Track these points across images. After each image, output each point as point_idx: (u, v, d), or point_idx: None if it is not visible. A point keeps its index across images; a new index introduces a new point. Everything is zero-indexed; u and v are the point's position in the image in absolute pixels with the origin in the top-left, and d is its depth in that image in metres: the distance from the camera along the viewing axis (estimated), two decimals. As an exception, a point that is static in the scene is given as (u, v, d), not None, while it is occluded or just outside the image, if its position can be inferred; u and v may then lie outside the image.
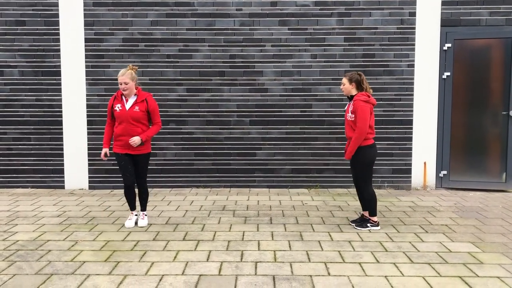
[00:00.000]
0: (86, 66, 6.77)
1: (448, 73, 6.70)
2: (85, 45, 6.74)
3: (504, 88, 6.62)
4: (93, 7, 6.70)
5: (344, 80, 4.78)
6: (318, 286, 3.37)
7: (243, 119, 6.85)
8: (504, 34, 6.57)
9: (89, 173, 6.85)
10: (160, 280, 3.48)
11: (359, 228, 4.78)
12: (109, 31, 6.74)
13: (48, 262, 3.84)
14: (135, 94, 4.71)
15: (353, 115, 4.66)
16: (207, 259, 3.90)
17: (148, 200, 6.06)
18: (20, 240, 4.42)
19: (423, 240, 4.42)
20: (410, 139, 6.82)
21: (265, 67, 6.78)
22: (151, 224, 4.98)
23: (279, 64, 6.78)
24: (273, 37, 6.75)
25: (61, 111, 6.83)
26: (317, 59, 6.77)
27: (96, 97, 6.79)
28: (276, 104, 6.83)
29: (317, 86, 6.80)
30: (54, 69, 6.79)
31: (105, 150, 4.82)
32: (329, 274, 3.59)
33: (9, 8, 6.72)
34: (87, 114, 6.80)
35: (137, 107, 4.66)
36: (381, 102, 6.72)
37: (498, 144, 6.69)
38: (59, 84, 6.80)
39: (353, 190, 6.69)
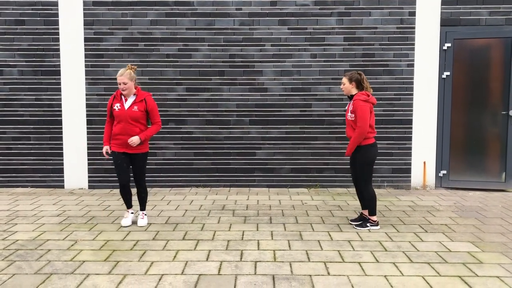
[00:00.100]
0: (86, 66, 6.76)
1: (448, 73, 6.70)
2: (85, 45, 6.74)
3: (503, 87, 6.62)
4: (92, 7, 6.70)
5: (344, 80, 4.78)
6: (318, 285, 3.37)
7: (243, 119, 6.85)
8: (503, 34, 6.57)
9: (88, 173, 6.85)
10: (160, 279, 3.48)
11: (359, 228, 4.78)
12: (108, 31, 6.74)
13: (47, 261, 3.84)
14: (134, 94, 4.72)
15: (353, 115, 4.66)
16: (207, 259, 3.90)
17: (148, 199, 6.07)
18: (20, 239, 4.42)
19: (423, 240, 4.42)
20: (410, 138, 6.82)
21: (264, 66, 6.78)
22: (150, 223, 4.98)
23: (279, 63, 6.78)
24: (272, 36, 6.75)
25: (60, 111, 6.83)
26: (317, 59, 6.77)
27: (96, 97, 6.79)
28: (276, 103, 6.83)
29: (317, 85, 6.80)
30: (54, 69, 6.79)
31: (106, 147, 4.82)
32: (328, 273, 3.59)
33: (8, 7, 6.72)
34: (86, 114, 6.80)
35: (135, 107, 4.66)
36: (380, 101, 6.72)
37: (498, 144, 6.69)
38: (59, 83, 6.80)
39: (353, 190, 6.70)
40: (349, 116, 4.74)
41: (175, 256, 3.97)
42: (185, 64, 6.78)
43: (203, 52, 6.77)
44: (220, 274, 3.57)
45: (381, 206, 5.75)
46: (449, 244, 4.30)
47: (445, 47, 6.68)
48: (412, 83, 6.76)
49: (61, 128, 6.84)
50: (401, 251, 4.11)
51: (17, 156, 6.87)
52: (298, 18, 6.72)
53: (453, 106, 6.74)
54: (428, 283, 3.41)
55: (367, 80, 4.78)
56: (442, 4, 6.65)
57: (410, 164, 6.85)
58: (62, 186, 6.89)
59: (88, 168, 6.85)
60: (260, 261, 3.84)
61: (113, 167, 6.71)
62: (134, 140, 4.62)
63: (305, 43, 6.75)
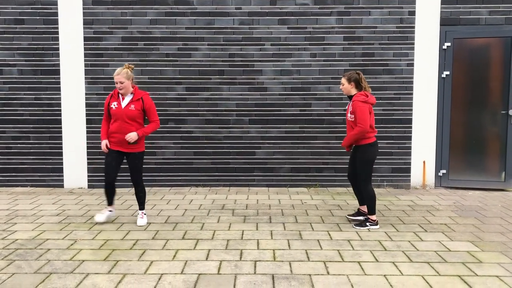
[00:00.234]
0: (85, 65, 6.76)
1: (448, 72, 6.70)
2: (84, 44, 6.74)
3: (503, 87, 6.62)
4: (92, 6, 6.69)
5: (343, 80, 4.78)
6: (317, 285, 3.37)
7: (243, 118, 6.84)
8: (503, 33, 6.57)
9: (88, 172, 6.85)
10: (159, 279, 3.48)
11: (358, 227, 4.78)
12: (108, 30, 6.73)
13: (47, 261, 3.84)
14: (131, 93, 4.73)
15: (353, 116, 4.66)
16: (206, 258, 3.90)
17: (148, 199, 6.07)
18: (19, 239, 4.42)
19: (422, 239, 4.42)
20: (410, 138, 6.82)
21: (264, 66, 6.77)
22: (150, 223, 4.97)
23: (279, 63, 6.77)
24: (272, 35, 6.75)
25: (60, 110, 6.83)
26: (317, 58, 6.76)
27: (95, 96, 6.78)
28: (276, 103, 6.82)
29: (317, 85, 6.80)
30: (53, 68, 6.78)
31: (105, 141, 4.79)
32: (328, 273, 3.59)
33: (8, 6, 6.71)
34: (86, 113, 6.80)
35: (132, 106, 4.67)
36: (380, 101, 6.72)
37: (497, 143, 6.69)
38: (58, 83, 6.80)
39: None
40: (349, 116, 4.74)
41: (174, 256, 3.97)
42: (184, 64, 6.77)
43: (202, 51, 6.76)
44: (220, 274, 3.57)
45: (380, 205, 5.75)
46: (449, 244, 4.30)
47: (444, 47, 6.68)
48: (411, 82, 6.76)
49: (60, 127, 6.84)
50: (401, 250, 4.12)
51: (16, 155, 6.87)
52: (297, 17, 6.72)
53: (453, 105, 6.74)
54: (427, 283, 3.41)
55: (366, 80, 4.78)
56: (441, 4, 6.65)
57: (409, 163, 6.85)
58: (62, 186, 6.88)
59: (88, 167, 6.84)
60: (259, 261, 3.84)
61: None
62: (132, 135, 4.62)
63: (305, 42, 6.75)
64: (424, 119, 6.78)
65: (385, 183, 6.88)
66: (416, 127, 6.80)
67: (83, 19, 6.70)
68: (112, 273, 3.59)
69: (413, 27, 6.70)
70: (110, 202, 4.97)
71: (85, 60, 6.75)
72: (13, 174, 6.88)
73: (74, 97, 6.78)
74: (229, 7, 6.71)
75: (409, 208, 5.64)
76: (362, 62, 6.75)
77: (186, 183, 6.91)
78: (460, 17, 6.67)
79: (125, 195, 6.32)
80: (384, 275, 3.55)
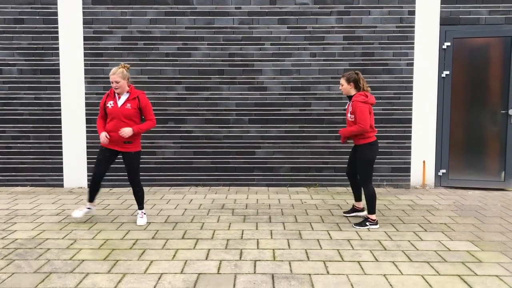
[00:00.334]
0: (85, 65, 6.76)
1: (447, 72, 6.70)
2: (84, 43, 6.73)
3: (503, 86, 6.62)
4: (92, 5, 6.69)
5: (342, 81, 4.80)
6: (317, 284, 3.37)
7: (242, 118, 6.84)
8: (503, 33, 6.57)
9: (88, 172, 6.85)
10: (159, 278, 3.48)
11: (358, 227, 4.78)
12: (108, 29, 6.73)
13: (47, 260, 3.84)
14: (127, 92, 4.73)
15: (353, 116, 4.67)
16: (206, 258, 3.90)
17: (147, 198, 6.07)
18: (19, 238, 4.42)
19: (422, 239, 4.42)
20: (409, 137, 6.82)
21: (264, 65, 6.77)
22: (150, 222, 4.97)
23: (278, 62, 6.77)
24: (272, 35, 6.75)
25: (60, 110, 6.82)
26: (316, 58, 6.76)
27: (95, 96, 6.78)
28: (275, 102, 6.82)
29: (316, 84, 6.80)
30: (53, 68, 6.78)
31: (103, 133, 4.70)
32: (328, 272, 3.59)
33: (7, 6, 6.71)
34: (86, 113, 6.80)
35: (129, 104, 4.68)
36: (380, 100, 6.72)
37: (497, 143, 6.69)
38: (58, 82, 6.79)
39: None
40: (349, 117, 4.76)
41: (174, 255, 3.97)
42: (184, 63, 6.77)
43: (202, 51, 6.76)
44: (220, 273, 3.57)
45: (380, 205, 5.75)
46: (449, 243, 4.30)
47: (444, 46, 6.68)
48: (411, 82, 6.76)
49: (60, 127, 6.84)
50: (401, 250, 4.12)
51: (16, 155, 6.87)
52: (297, 17, 6.72)
53: (453, 105, 6.74)
54: (427, 282, 3.41)
55: (364, 80, 4.78)
56: (441, 3, 6.65)
57: (409, 163, 6.85)
58: (62, 185, 6.88)
59: (88, 167, 6.84)
60: (259, 260, 3.84)
61: (112, 166, 6.72)
62: (126, 131, 4.61)
63: (305, 42, 6.74)
64: (424, 118, 6.78)
65: (385, 183, 6.89)
66: (416, 126, 6.80)
67: (83, 18, 6.70)
68: (112, 272, 3.59)
69: (413, 26, 6.70)
70: (91, 199, 4.97)
71: (85, 60, 6.75)
72: (13, 173, 6.88)
73: (74, 96, 6.78)
74: (229, 7, 6.71)
75: (409, 208, 5.64)
76: (362, 62, 6.75)
77: (186, 183, 6.91)
78: (460, 16, 6.67)
79: (125, 195, 6.32)
80: (384, 275, 3.55)
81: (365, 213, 5.14)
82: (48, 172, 6.88)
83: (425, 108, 6.77)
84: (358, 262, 3.82)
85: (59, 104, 6.82)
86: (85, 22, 6.71)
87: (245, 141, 6.87)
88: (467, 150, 6.77)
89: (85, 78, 6.77)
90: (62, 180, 6.87)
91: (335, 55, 6.75)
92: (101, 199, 6.10)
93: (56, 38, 6.74)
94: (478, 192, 6.55)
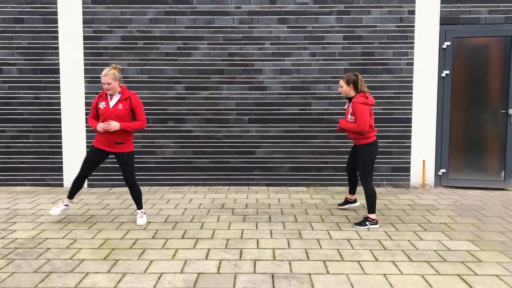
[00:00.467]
0: (85, 64, 6.75)
1: (447, 71, 6.70)
2: (84, 43, 6.73)
3: (503, 86, 6.62)
4: (91, 5, 6.68)
5: (342, 83, 4.82)
6: (317, 284, 3.37)
7: (242, 117, 6.84)
8: (503, 33, 6.57)
9: (88, 171, 6.84)
10: (159, 278, 3.48)
11: (358, 227, 4.78)
12: (107, 29, 6.72)
13: (47, 260, 3.84)
14: (119, 93, 4.74)
15: (353, 117, 4.69)
16: (206, 257, 3.90)
17: (147, 198, 6.07)
18: (19, 238, 4.42)
19: (422, 239, 4.42)
20: (409, 137, 6.82)
21: (264, 65, 6.77)
22: (149, 222, 4.97)
23: (278, 62, 6.77)
24: (272, 35, 6.74)
25: (59, 109, 6.82)
26: (316, 57, 6.76)
27: (95, 95, 6.77)
28: (275, 102, 6.82)
29: (316, 84, 6.79)
30: (53, 67, 6.77)
31: (100, 123, 4.64)
32: (328, 272, 3.59)
33: (7, 5, 6.70)
34: (85, 112, 6.80)
35: (120, 105, 4.69)
36: (380, 100, 6.72)
37: (497, 143, 6.69)
38: (58, 82, 6.79)
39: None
40: (349, 118, 4.77)
41: (174, 255, 3.97)
42: (184, 63, 6.77)
43: (202, 50, 6.76)
44: (220, 273, 3.57)
45: (380, 204, 5.75)
46: (448, 243, 4.30)
47: (444, 46, 6.67)
48: (411, 81, 6.76)
49: (60, 126, 6.84)
50: (400, 249, 4.12)
51: (16, 154, 6.86)
52: (297, 16, 6.72)
53: (453, 104, 6.74)
54: (427, 282, 3.42)
55: (363, 81, 4.80)
56: (441, 3, 6.65)
57: (409, 162, 6.85)
58: (61, 185, 6.88)
59: (87, 166, 6.83)
60: (259, 260, 3.84)
61: (112, 166, 6.74)
62: (113, 124, 4.60)
63: (305, 41, 6.74)
64: (423, 118, 6.78)
65: (384, 182, 6.89)
66: (416, 126, 6.80)
67: (83, 18, 6.69)
68: (112, 272, 3.59)
69: (413, 26, 6.69)
70: (71, 196, 4.96)
71: (84, 59, 6.75)
72: (13, 173, 6.88)
73: (74, 96, 6.78)
74: (228, 6, 6.70)
75: (408, 207, 5.64)
76: (361, 62, 6.74)
77: (186, 182, 6.91)
78: (460, 16, 6.67)
79: (125, 195, 6.32)
80: (384, 274, 3.55)
81: (358, 203, 5.42)
82: (47, 171, 6.88)
83: (425, 107, 6.77)
84: (358, 261, 3.82)
85: (59, 104, 6.81)
86: (85, 21, 6.71)
87: (245, 141, 6.87)
88: (467, 150, 6.77)
89: (85, 77, 6.77)
90: (61, 179, 6.87)
91: (335, 55, 6.75)
92: (100, 198, 6.10)
93: (56, 38, 6.74)
94: (478, 192, 6.55)
